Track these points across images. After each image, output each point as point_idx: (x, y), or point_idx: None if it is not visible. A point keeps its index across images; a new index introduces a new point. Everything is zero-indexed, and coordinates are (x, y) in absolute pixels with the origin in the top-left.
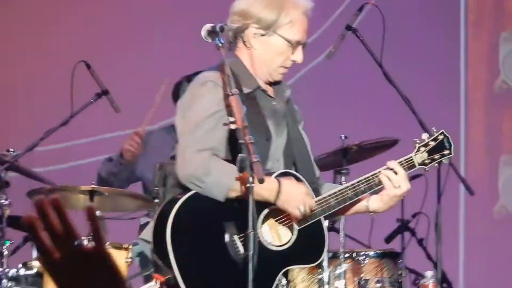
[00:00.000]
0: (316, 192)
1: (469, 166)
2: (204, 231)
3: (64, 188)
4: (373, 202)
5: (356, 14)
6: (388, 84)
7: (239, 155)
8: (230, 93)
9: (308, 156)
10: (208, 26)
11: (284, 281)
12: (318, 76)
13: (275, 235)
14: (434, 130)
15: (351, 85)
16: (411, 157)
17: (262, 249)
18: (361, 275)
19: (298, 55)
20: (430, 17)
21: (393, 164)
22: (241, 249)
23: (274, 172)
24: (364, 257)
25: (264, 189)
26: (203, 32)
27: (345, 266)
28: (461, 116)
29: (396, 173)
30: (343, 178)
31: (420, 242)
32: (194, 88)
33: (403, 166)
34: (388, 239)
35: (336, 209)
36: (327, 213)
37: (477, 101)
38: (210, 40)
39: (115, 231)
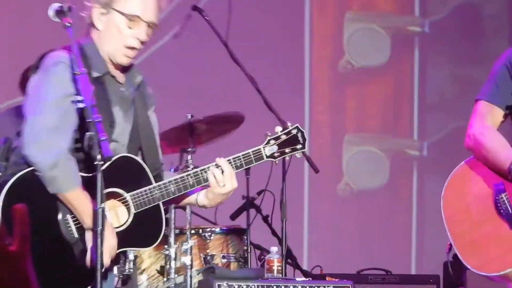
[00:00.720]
0: (159, 177)
1: (314, 145)
2: (37, 209)
3: None
4: (201, 197)
5: None
6: (234, 64)
7: (87, 133)
8: (78, 72)
9: (154, 141)
10: (55, 5)
11: (131, 257)
12: (166, 56)
13: (114, 216)
14: (289, 124)
15: (198, 64)
16: (259, 149)
17: None
18: (207, 251)
19: (141, 34)
20: None
21: (221, 161)
22: (73, 227)
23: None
24: (210, 233)
25: (86, 214)
26: (50, 12)
27: (191, 242)
28: (306, 95)
29: (223, 171)
30: (189, 157)
31: (265, 219)
32: (47, 68)
33: (248, 159)
34: (234, 216)
35: (172, 197)
36: (165, 199)
37: (321, 80)
38: (58, 20)
39: None
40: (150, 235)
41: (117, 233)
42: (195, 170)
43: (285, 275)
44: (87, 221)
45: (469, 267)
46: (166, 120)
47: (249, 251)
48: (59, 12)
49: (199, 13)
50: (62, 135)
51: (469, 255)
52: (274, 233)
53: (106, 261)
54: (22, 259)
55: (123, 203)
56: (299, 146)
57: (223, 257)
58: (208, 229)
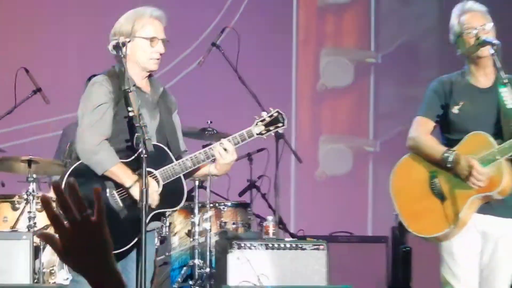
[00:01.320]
0: (179, 158)
1: (298, 143)
2: (89, 186)
3: (8, 158)
4: (212, 168)
5: (219, 34)
6: (242, 84)
7: (136, 133)
8: (129, 90)
9: (176, 135)
10: (113, 42)
11: (167, 223)
12: (193, 78)
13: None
14: (271, 109)
15: (216, 85)
16: (250, 129)
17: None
18: (222, 219)
19: (159, 47)
20: (272, 35)
21: (224, 140)
22: (118, 199)
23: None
24: (224, 206)
25: (125, 177)
26: (110, 47)
27: (210, 212)
28: (293, 108)
29: (225, 149)
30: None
31: (263, 196)
32: (87, 88)
33: (243, 137)
34: (241, 194)
35: (190, 169)
36: (184, 172)
37: (304, 97)
38: (115, 53)
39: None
40: (176, 199)
41: None
42: (204, 149)
43: (278, 236)
44: (129, 182)
45: (410, 230)
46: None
47: (252, 219)
48: (116, 47)
49: (217, 48)
50: (96, 132)
51: (410, 222)
52: (269, 206)
53: (154, 200)
54: (101, 227)
55: (154, 178)
56: (280, 124)
57: (233, 223)
58: (222, 203)
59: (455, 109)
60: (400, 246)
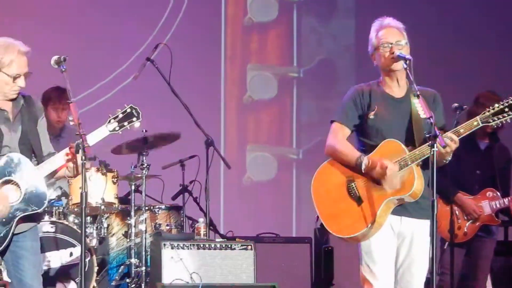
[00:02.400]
0: (42, 160)
1: (227, 150)
2: None
3: None
4: (67, 171)
5: (153, 50)
6: (174, 96)
7: (76, 142)
8: (69, 101)
9: (39, 141)
10: (55, 57)
11: (105, 224)
12: (128, 91)
13: (12, 194)
14: (125, 105)
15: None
16: (103, 127)
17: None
18: (156, 221)
19: (21, 82)
20: (202, 51)
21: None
22: None
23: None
24: (158, 209)
25: None
26: (52, 61)
27: (145, 215)
28: (221, 119)
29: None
30: (144, 158)
31: (195, 199)
32: None
33: (98, 134)
34: (174, 198)
35: (50, 171)
36: (44, 175)
37: (232, 109)
38: (56, 66)
39: None
40: (39, 200)
41: (14, 205)
42: (59, 153)
43: (208, 237)
44: None
45: (330, 231)
46: (130, 133)
47: (184, 221)
48: (58, 62)
49: (151, 63)
50: None
51: (330, 223)
52: (201, 209)
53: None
54: None
55: (14, 184)
56: (134, 119)
57: (167, 225)
58: (157, 206)
59: (371, 115)
60: (322, 246)
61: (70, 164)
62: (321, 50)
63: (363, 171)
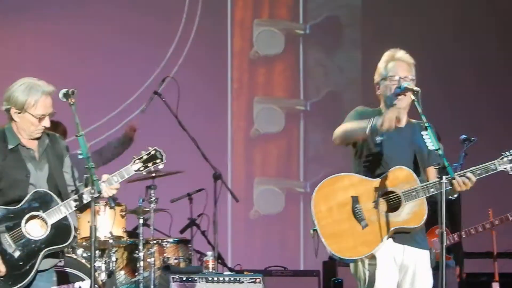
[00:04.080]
0: (67, 197)
1: (234, 184)
2: None
3: None
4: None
5: (160, 83)
6: (182, 129)
7: (85, 175)
8: (78, 135)
9: (64, 180)
10: (63, 90)
11: (114, 258)
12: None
13: (38, 228)
14: (149, 148)
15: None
16: (128, 167)
17: (28, 239)
18: (165, 254)
19: (46, 122)
20: (208, 85)
21: (104, 177)
22: (11, 242)
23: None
24: (166, 243)
25: None
26: (60, 94)
27: (154, 248)
28: (228, 152)
29: (110, 183)
30: (152, 192)
31: (203, 233)
32: None
33: (122, 175)
34: (182, 231)
35: (75, 208)
36: (70, 211)
37: (239, 142)
38: (64, 100)
39: None
40: (65, 236)
41: (41, 239)
42: (88, 188)
43: (217, 270)
44: None
45: (329, 250)
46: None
47: (192, 254)
48: (66, 95)
49: (159, 96)
50: None
51: (331, 242)
52: (209, 242)
53: None
54: None
55: (41, 219)
56: (158, 160)
57: (175, 258)
58: (165, 240)
59: (378, 138)
60: (331, 279)
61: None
62: (327, 82)
63: (379, 127)
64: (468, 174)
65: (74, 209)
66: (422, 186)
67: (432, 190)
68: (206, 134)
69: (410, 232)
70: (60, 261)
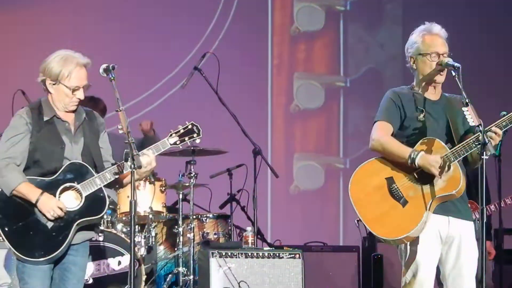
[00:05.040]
0: (102, 170)
1: (274, 159)
2: (18, 207)
3: None
4: (136, 174)
5: (201, 59)
6: (222, 105)
7: (125, 150)
8: (119, 110)
9: (100, 155)
10: (104, 65)
11: (153, 233)
12: (176, 100)
13: (73, 199)
14: (186, 122)
15: (198, 105)
16: (164, 140)
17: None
18: (204, 230)
19: (80, 94)
20: (249, 60)
21: (144, 151)
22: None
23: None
24: (206, 218)
25: (31, 194)
26: (101, 69)
27: (193, 223)
28: (269, 127)
29: (148, 156)
30: (192, 167)
31: (242, 208)
32: (12, 119)
33: (158, 148)
34: (221, 206)
35: (110, 180)
36: (105, 183)
37: (279, 118)
38: (105, 75)
39: None
40: (98, 208)
41: (74, 210)
42: (119, 163)
43: (256, 246)
44: (35, 198)
45: (375, 234)
46: None
47: (232, 230)
48: (106, 70)
49: (199, 72)
50: (5, 158)
51: (375, 226)
52: (248, 218)
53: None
54: None
55: (75, 190)
56: (195, 135)
57: (215, 234)
58: (205, 215)
59: (419, 117)
60: (371, 254)
61: (146, 169)
62: (368, 59)
63: (417, 165)
64: (493, 128)
65: (109, 181)
66: (452, 151)
67: (461, 153)
68: (246, 110)
69: (453, 201)
70: (100, 235)
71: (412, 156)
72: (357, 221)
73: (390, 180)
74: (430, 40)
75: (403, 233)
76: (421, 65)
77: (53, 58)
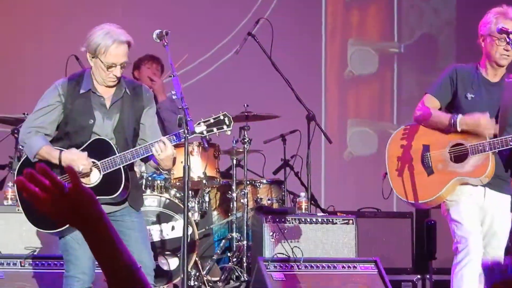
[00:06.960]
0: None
1: (328, 125)
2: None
3: None
4: (157, 160)
5: (254, 24)
6: (276, 71)
7: (179, 115)
8: (172, 75)
9: (134, 132)
10: (157, 30)
11: (207, 199)
12: (229, 66)
13: (93, 176)
14: (220, 112)
15: (252, 71)
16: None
17: None
18: (258, 195)
19: (116, 72)
20: (302, 26)
21: (163, 138)
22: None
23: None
24: (260, 183)
25: (52, 153)
26: (154, 35)
27: (247, 189)
28: (322, 93)
29: (164, 143)
30: (245, 133)
31: (296, 174)
32: (48, 88)
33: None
34: (275, 172)
35: (130, 161)
36: (125, 163)
37: (332, 84)
38: (158, 40)
39: None
40: (112, 189)
41: (90, 187)
42: (145, 144)
43: (310, 212)
44: (55, 158)
45: (394, 191)
46: (228, 107)
47: (285, 195)
48: (160, 36)
49: (252, 38)
50: (32, 126)
51: (396, 185)
52: (302, 183)
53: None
54: (83, 195)
55: (96, 167)
56: (225, 127)
57: (268, 199)
58: (258, 181)
59: (468, 96)
60: (425, 220)
61: (159, 157)
62: (422, 24)
63: (458, 128)
64: None
65: (130, 162)
66: (489, 141)
67: (498, 146)
68: (300, 76)
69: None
70: (119, 209)
71: (452, 121)
72: (384, 173)
73: (425, 148)
74: (503, 24)
75: (416, 200)
76: (489, 46)
77: (95, 31)
